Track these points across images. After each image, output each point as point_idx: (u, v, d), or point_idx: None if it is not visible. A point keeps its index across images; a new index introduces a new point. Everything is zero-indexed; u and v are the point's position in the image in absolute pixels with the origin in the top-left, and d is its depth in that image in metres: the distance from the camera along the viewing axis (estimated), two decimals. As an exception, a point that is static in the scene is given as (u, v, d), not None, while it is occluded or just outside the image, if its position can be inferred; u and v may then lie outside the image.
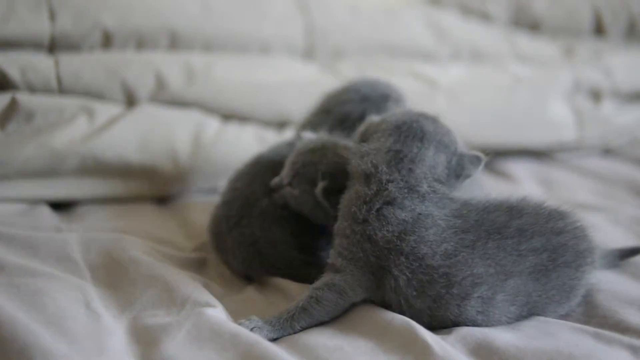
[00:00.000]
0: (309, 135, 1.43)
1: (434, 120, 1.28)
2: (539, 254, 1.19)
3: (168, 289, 1.26)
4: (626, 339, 1.14)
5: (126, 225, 1.58)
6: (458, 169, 1.25)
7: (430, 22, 2.27)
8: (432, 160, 1.23)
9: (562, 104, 2.27)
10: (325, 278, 1.21)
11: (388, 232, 1.17)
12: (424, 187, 1.20)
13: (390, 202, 1.19)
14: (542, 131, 2.22)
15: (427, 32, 2.25)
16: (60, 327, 1.10)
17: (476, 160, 1.26)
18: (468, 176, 1.26)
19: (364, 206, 1.20)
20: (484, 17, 2.39)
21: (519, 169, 2.12)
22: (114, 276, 1.32)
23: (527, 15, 2.44)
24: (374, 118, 1.31)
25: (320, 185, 1.31)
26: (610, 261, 1.38)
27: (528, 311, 1.20)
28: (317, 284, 1.21)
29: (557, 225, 1.22)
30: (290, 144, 1.48)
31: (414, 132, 1.24)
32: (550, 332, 1.17)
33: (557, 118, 2.25)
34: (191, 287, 1.27)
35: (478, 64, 2.28)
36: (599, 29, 2.50)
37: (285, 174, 1.38)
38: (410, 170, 1.21)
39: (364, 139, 1.28)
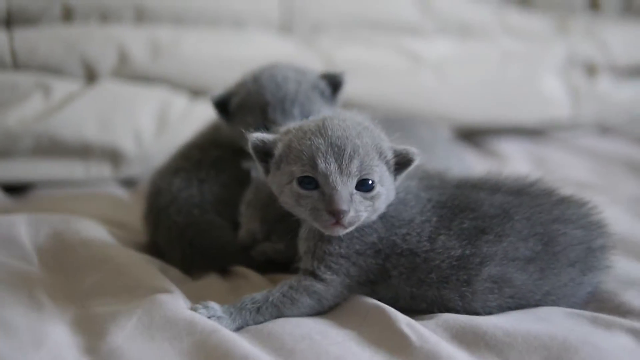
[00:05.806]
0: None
1: None
2: (529, 242, 1.07)
3: (119, 273, 1.16)
4: (627, 322, 1.04)
5: (82, 208, 1.47)
6: None
7: (414, -6, 2.18)
8: None
9: (555, 79, 2.17)
10: (305, 281, 1.10)
11: None
12: None
13: None
14: (535, 108, 2.13)
15: (411, 5, 2.16)
16: (-4, 318, 1.02)
17: None
18: None
19: None
20: (472, -9, 2.31)
21: (511, 147, 2.03)
22: (62, 260, 1.22)
23: (517, -10, 2.37)
24: None
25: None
26: None
27: (516, 305, 1.08)
28: (294, 283, 1.10)
29: (563, 213, 1.10)
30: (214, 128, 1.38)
31: None
32: (542, 316, 1.06)
33: (550, 94, 2.15)
34: (145, 271, 1.18)
35: (466, 39, 2.19)
36: (593, 4, 2.43)
37: (255, 228, 1.23)
38: None
39: None
